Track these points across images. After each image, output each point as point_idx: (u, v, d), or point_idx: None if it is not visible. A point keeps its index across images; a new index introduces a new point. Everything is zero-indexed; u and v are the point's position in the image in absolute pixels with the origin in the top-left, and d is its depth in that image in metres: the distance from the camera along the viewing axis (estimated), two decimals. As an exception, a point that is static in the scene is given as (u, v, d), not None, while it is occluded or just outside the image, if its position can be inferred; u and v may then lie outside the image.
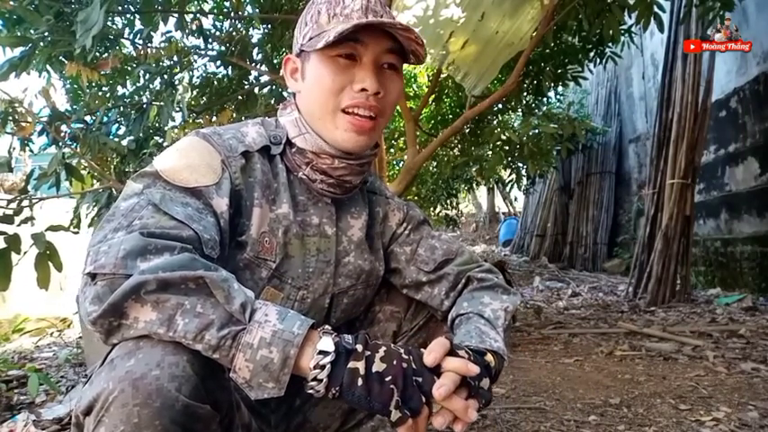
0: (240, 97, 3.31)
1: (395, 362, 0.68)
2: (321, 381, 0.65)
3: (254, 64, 3.27)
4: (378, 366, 0.67)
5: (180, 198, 0.75)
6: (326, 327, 0.70)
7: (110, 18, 2.65)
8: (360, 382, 0.65)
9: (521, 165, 4.53)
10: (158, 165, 0.78)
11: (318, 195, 0.93)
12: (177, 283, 0.63)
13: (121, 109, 2.97)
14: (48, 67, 2.48)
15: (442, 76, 3.86)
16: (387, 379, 0.66)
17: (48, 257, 1.98)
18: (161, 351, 0.62)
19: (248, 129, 0.91)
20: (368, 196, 1.04)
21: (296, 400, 0.99)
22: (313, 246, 0.92)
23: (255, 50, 3.28)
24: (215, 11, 3.40)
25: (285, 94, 3.15)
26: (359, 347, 0.68)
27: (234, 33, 3.14)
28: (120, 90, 3.20)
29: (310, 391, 0.66)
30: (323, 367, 0.65)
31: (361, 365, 0.66)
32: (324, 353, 0.65)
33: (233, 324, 0.63)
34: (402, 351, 0.70)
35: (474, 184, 6.10)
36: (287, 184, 0.90)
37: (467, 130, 4.24)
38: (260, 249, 0.85)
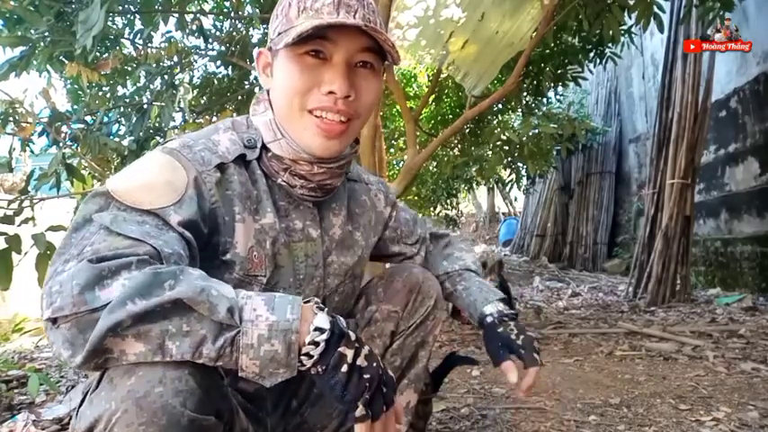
0: (240, 97, 3.31)
1: (374, 364, 0.69)
2: (312, 357, 0.65)
3: (254, 64, 3.27)
4: (361, 361, 0.68)
5: (135, 217, 0.68)
6: (317, 300, 0.69)
7: (110, 18, 2.65)
8: (344, 368, 0.66)
9: (521, 165, 4.52)
10: (111, 184, 0.71)
11: (299, 200, 0.90)
12: (153, 311, 0.58)
13: (122, 109, 2.97)
14: (48, 67, 2.48)
15: (442, 76, 3.86)
16: (365, 376, 0.68)
17: (48, 257, 1.98)
18: (162, 367, 0.60)
19: (220, 136, 0.84)
20: (348, 186, 1.03)
21: (293, 402, 0.99)
22: (301, 252, 0.91)
23: (255, 50, 3.28)
24: (215, 11, 3.40)
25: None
26: (352, 335, 0.68)
27: (234, 33, 3.14)
28: (121, 90, 3.20)
29: (297, 365, 0.66)
30: (317, 344, 0.65)
31: (350, 353, 0.67)
32: (320, 329, 0.65)
33: (226, 331, 0.61)
34: (379, 358, 0.72)
35: (474, 184, 6.09)
36: (268, 191, 0.86)
37: (467, 130, 4.24)
38: (249, 267, 0.83)
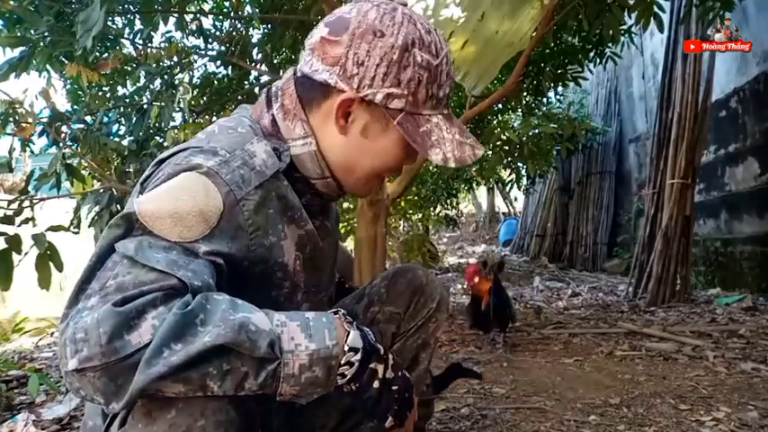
0: (240, 97, 3.31)
1: (399, 373, 0.71)
2: (346, 376, 0.66)
3: (254, 64, 3.27)
4: (389, 374, 0.70)
5: (161, 243, 0.64)
6: (343, 312, 0.70)
7: (110, 18, 2.65)
8: (376, 384, 0.68)
9: (521, 165, 4.52)
10: (139, 207, 0.66)
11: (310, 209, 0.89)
12: (192, 360, 0.56)
13: (122, 109, 2.97)
14: (48, 67, 2.48)
15: (442, 76, 3.85)
16: (393, 387, 0.69)
17: (48, 258, 1.98)
18: (202, 397, 0.59)
19: (254, 147, 0.77)
20: None
21: (295, 404, 0.99)
22: (329, 247, 0.93)
23: (255, 50, 3.28)
24: (215, 11, 3.40)
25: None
26: (381, 349, 0.69)
27: (234, 33, 3.14)
28: (121, 90, 3.20)
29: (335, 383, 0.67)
30: (351, 364, 0.66)
31: (381, 368, 0.69)
32: (354, 350, 0.66)
33: (267, 364, 0.60)
34: (402, 365, 0.74)
35: (474, 184, 6.09)
36: (299, 203, 0.83)
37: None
38: (297, 280, 0.83)
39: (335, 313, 0.69)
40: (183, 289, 0.61)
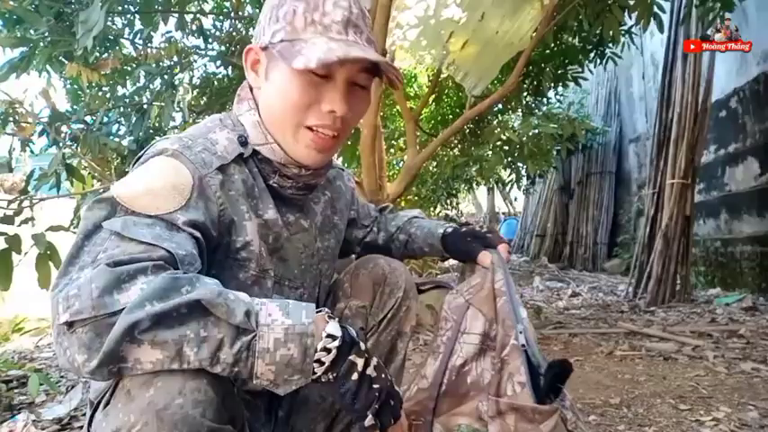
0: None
1: (383, 375, 0.71)
2: (323, 364, 0.66)
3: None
4: (371, 371, 0.69)
5: (144, 221, 0.68)
6: (326, 309, 0.71)
7: (110, 18, 2.65)
8: (355, 376, 0.68)
9: (521, 165, 4.52)
10: (116, 191, 0.70)
11: (289, 198, 0.91)
12: (171, 312, 0.58)
13: (122, 109, 2.97)
14: (48, 67, 2.48)
15: (442, 76, 3.86)
16: (374, 386, 0.69)
17: (48, 258, 1.98)
18: (180, 377, 0.60)
19: (217, 135, 0.83)
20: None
21: (279, 412, 0.99)
22: (299, 243, 0.93)
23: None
24: (215, 11, 3.40)
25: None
26: (362, 345, 0.70)
27: (234, 33, 3.14)
28: (121, 90, 3.20)
29: (312, 370, 0.66)
30: (329, 351, 0.66)
31: (360, 362, 0.68)
32: (332, 336, 0.66)
33: (242, 335, 0.61)
34: (388, 370, 0.74)
35: (474, 184, 6.09)
36: (265, 187, 0.87)
37: (467, 130, 4.24)
38: (263, 262, 0.85)
39: (320, 311, 0.69)
40: (171, 259, 0.65)
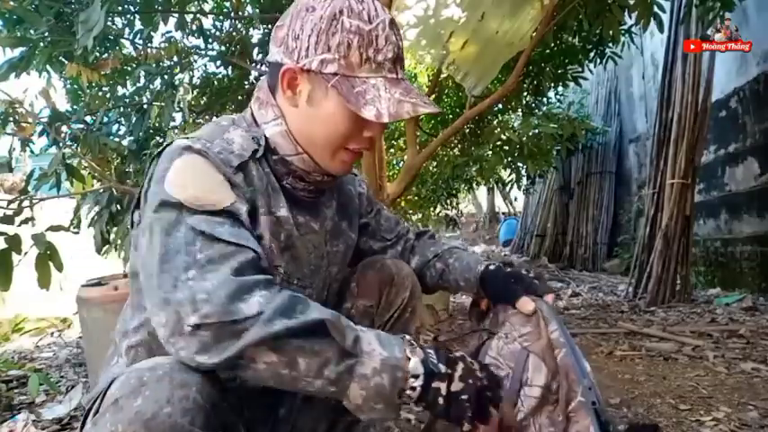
0: (240, 97, 3.31)
1: (470, 380, 0.74)
2: (412, 398, 0.71)
3: (254, 64, 3.27)
4: (456, 386, 0.73)
5: (215, 219, 0.73)
6: (408, 337, 0.74)
7: (110, 18, 2.65)
8: (441, 401, 0.72)
9: (521, 165, 4.52)
10: (176, 194, 0.73)
11: (300, 199, 0.93)
12: (301, 328, 0.66)
13: (122, 109, 2.97)
14: (48, 67, 2.47)
15: (442, 76, 3.86)
16: (462, 397, 0.73)
17: (48, 258, 1.98)
18: (168, 386, 0.61)
19: (231, 134, 0.86)
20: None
21: (280, 411, 0.99)
22: (309, 243, 0.94)
23: (255, 50, 3.27)
24: (215, 11, 3.40)
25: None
26: (442, 368, 0.73)
27: (234, 33, 3.14)
28: (121, 90, 3.20)
29: (397, 403, 0.71)
30: (414, 389, 0.70)
31: (443, 386, 0.72)
32: (414, 376, 0.70)
33: (347, 358, 0.67)
34: (477, 368, 0.76)
35: (474, 184, 6.09)
36: (278, 186, 0.89)
37: (467, 130, 4.24)
38: (272, 258, 0.86)
39: (402, 338, 0.74)
40: (257, 258, 0.73)
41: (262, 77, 0.94)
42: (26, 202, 2.24)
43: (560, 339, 0.88)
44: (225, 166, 0.79)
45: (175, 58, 2.95)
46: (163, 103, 2.59)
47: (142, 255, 0.73)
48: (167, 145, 0.82)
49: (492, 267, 1.02)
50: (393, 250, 1.16)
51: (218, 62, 3.29)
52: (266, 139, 0.88)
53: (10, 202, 2.22)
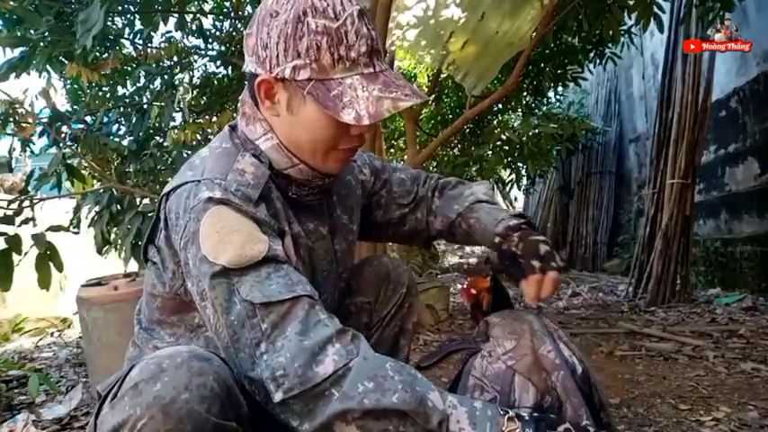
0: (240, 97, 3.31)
1: None
2: None
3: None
4: None
5: (260, 276, 0.72)
6: (506, 413, 0.72)
7: (110, 18, 2.65)
8: None
9: (521, 165, 4.52)
10: (218, 259, 0.71)
11: (306, 204, 0.91)
12: (379, 410, 0.66)
13: (122, 109, 2.97)
14: (48, 67, 2.48)
15: (442, 76, 3.86)
16: None
17: (48, 258, 1.98)
18: (187, 372, 0.62)
19: (242, 164, 0.82)
20: None
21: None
22: (321, 250, 0.93)
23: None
24: (215, 11, 3.40)
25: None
26: None
27: (234, 33, 3.14)
28: (121, 90, 3.20)
29: None
30: None
31: None
32: None
33: None
34: (569, 425, 0.73)
35: (474, 184, 6.08)
36: (283, 200, 0.87)
37: (467, 130, 4.25)
38: None
39: (503, 413, 0.71)
40: (312, 301, 0.73)
41: (244, 90, 0.90)
42: (26, 203, 2.24)
43: (556, 362, 0.86)
44: (247, 204, 0.77)
45: (175, 58, 2.95)
46: (163, 103, 2.59)
47: (212, 324, 0.74)
48: (178, 186, 0.80)
49: (497, 241, 0.99)
50: (412, 217, 1.10)
51: (218, 62, 3.30)
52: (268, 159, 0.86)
53: (10, 202, 2.22)
